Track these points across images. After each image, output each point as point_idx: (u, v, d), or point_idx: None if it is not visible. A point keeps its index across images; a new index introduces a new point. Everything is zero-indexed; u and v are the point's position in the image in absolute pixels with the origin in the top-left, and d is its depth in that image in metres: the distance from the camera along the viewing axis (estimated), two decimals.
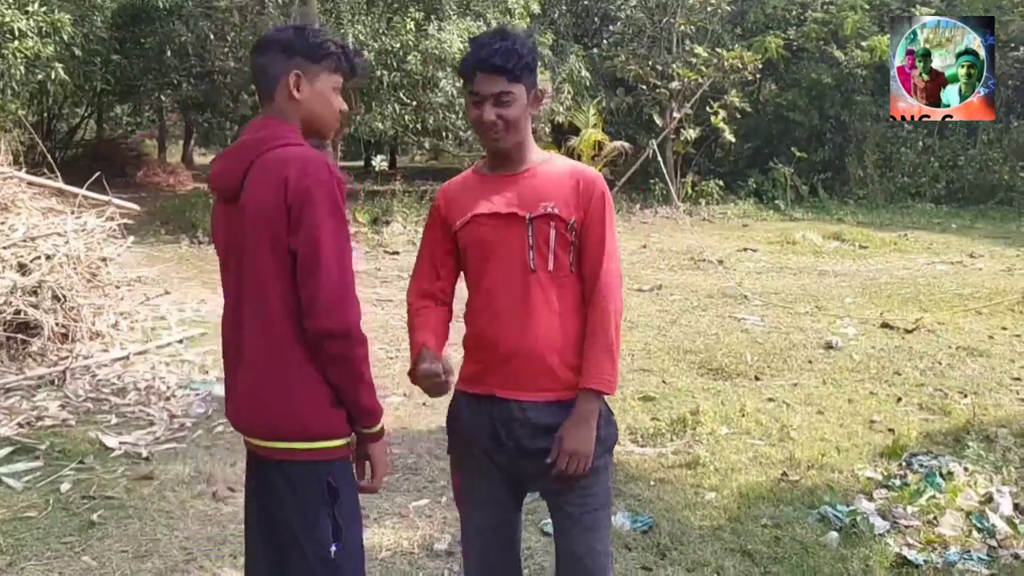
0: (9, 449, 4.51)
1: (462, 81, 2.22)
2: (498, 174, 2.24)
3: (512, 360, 2.17)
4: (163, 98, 20.32)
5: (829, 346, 6.88)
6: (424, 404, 5.35)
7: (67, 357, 5.82)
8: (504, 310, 2.18)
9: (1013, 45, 20.28)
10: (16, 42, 11.40)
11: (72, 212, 6.87)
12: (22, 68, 11.74)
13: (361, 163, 30.93)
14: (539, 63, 2.26)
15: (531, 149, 2.24)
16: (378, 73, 13.75)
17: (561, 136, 18.67)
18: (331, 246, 1.91)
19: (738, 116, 18.63)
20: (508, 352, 2.17)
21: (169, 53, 15.94)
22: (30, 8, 11.73)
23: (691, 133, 18.61)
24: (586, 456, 2.14)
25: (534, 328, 2.16)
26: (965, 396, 5.63)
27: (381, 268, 10.93)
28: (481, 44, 2.13)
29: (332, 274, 1.90)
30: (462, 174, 2.37)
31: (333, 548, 1.99)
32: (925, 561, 3.42)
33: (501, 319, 2.18)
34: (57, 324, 5.92)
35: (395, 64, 13.89)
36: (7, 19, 11.20)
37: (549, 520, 3.60)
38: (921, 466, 4.35)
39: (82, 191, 7.17)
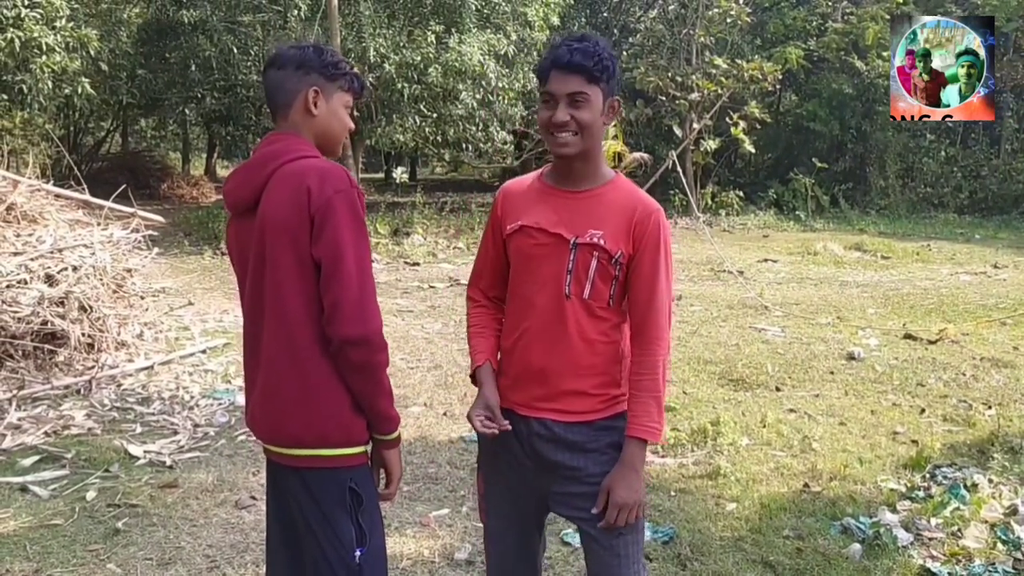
0: (36, 458, 4.57)
1: (538, 83, 2.11)
2: (559, 187, 2.14)
3: (536, 382, 2.14)
4: (187, 111, 20.62)
5: (851, 357, 6.83)
6: (444, 414, 5.38)
7: (93, 367, 5.91)
8: (535, 329, 2.13)
9: None
10: (44, 57, 11.60)
11: (98, 224, 6.97)
12: (49, 83, 11.95)
13: (382, 175, 31.18)
14: None
15: (599, 167, 2.13)
16: (399, 85, 13.86)
17: None
18: (353, 255, 1.93)
19: (758, 127, 18.58)
20: (534, 373, 2.14)
21: (193, 67, 16.18)
22: (57, 24, 11.94)
23: (711, 144, 18.57)
24: (636, 505, 2.07)
25: (562, 353, 2.10)
26: (989, 407, 5.58)
27: (401, 279, 10.98)
28: (561, 44, 2.03)
29: (354, 282, 1.93)
30: (528, 175, 2.26)
31: (357, 553, 2.01)
32: (949, 574, 3.39)
33: (531, 338, 2.14)
34: (83, 334, 6.00)
35: (416, 77, 14.00)
36: (35, 34, 11.40)
37: (570, 530, 3.62)
38: (945, 478, 4.32)
39: (108, 203, 7.26)
